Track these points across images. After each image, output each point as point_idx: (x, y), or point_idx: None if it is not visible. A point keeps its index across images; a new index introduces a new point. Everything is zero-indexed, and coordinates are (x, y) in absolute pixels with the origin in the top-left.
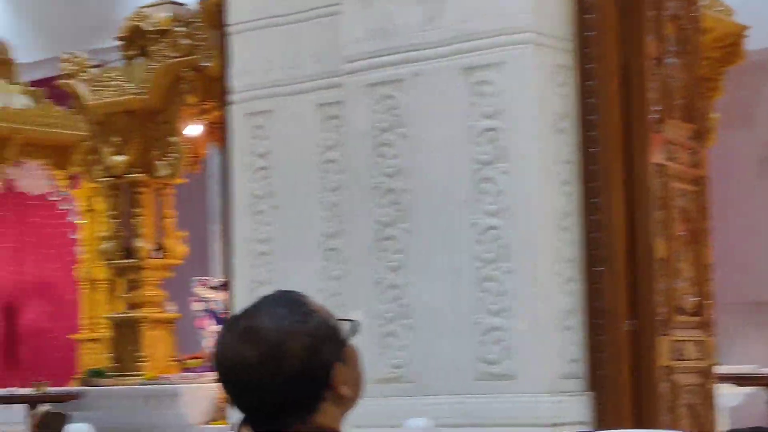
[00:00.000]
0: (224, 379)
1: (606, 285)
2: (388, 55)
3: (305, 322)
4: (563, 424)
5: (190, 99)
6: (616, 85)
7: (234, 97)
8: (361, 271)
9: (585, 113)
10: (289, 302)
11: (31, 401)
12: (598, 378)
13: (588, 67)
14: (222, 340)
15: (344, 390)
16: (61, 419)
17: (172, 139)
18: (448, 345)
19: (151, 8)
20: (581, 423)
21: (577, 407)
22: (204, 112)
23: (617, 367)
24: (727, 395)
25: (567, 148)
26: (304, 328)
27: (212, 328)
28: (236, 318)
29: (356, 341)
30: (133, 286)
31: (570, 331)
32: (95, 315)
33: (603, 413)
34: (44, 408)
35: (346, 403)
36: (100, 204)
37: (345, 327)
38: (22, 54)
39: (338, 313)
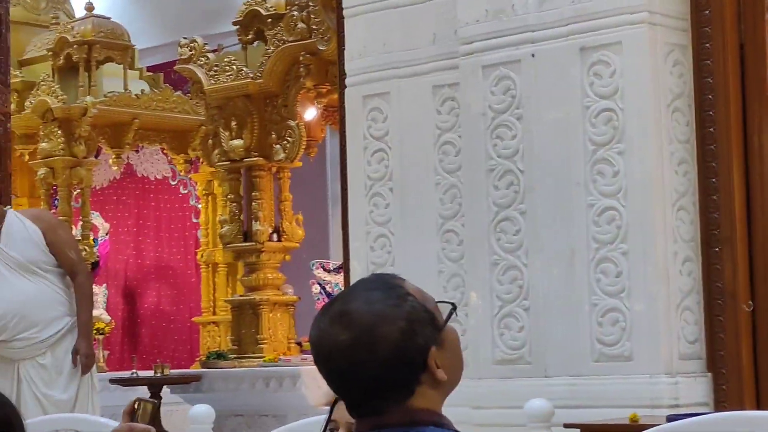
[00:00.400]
0: (319, 362)
1: (725, 265)
2: (505, 36)
3: (399, 305)
4: (682, 406)
5: (307, 82)
6: (732, 64)
7: (350, 80)
8: (479, 252)
9: (701, 92)
10: (383, 286)
11: (152, 384)
12: (718, 359)
13: (704, 46)
14: (317, 324)
15: (440, 374)
16: (152, 407)
17: (290, 122)
18: (565, 326)
19: None
20: (700, 404)
21: (696, 388)
22: (320, 95)
23: (737, 348)
24: None
25: (683, 127)
26: (397, 311)
27: None
28: (331, 302)
29: (472, 323)
30: (252, 269)
31: (688, 311)
32: (215, 298)
33: (722, 394)
34: (140, 396)
35: (443, 386)
36: (219, 188)
37: (443, 310)
38: (140, 39)
39: (454, 295)
